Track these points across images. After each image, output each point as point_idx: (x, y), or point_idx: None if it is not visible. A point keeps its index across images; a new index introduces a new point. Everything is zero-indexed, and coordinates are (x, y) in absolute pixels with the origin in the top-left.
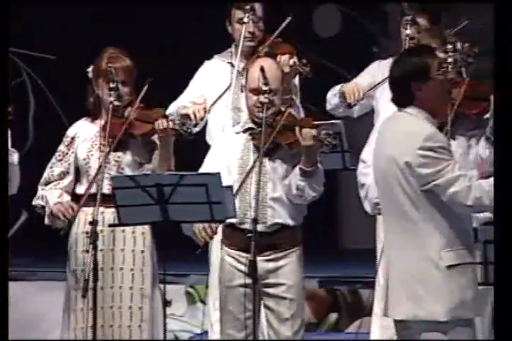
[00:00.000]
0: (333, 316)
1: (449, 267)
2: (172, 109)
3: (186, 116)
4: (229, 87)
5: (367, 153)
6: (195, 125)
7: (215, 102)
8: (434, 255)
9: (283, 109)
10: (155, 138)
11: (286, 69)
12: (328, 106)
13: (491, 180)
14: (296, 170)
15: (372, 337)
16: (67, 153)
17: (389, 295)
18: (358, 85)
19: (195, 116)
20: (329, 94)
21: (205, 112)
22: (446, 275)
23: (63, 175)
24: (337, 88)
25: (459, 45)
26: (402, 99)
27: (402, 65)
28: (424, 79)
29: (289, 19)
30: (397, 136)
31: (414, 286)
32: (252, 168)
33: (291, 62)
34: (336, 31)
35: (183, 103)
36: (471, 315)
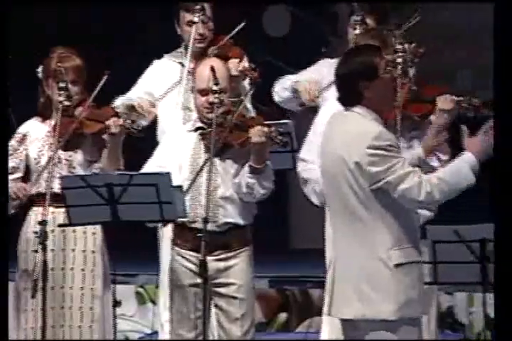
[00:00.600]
0: (283, 316)
1: (397, 266)
2: (118, 101)
3: (132, 107)
4: (178, 85)
5: (306, 152)
6: (142, 117)
7: (162, 98)
8: (382, 254)
9: (232, 108)
10: (105, 136)
11: (235, 73)
12: (278, 99)
13: (440, 174)
14: (246, 167)
15: (322, 337)
16: (17, 149)
17: (335, 294)
18: (312, 83)
19: (141, 108)
20: (278, 87)
21: (152, 107)
22: (394, 274)
23: (13, 170)
24: (288, 82)
25: (406, 46)
26: (349, 98)
27: (350, 64)
28: (372, 78)
29: (243, 24)
30: (346, 135)
31: (361, 285)
32: (203, 167)
33: (241, 66)
34: (285, 31)
35: (130, 97)
36: (417, 313)
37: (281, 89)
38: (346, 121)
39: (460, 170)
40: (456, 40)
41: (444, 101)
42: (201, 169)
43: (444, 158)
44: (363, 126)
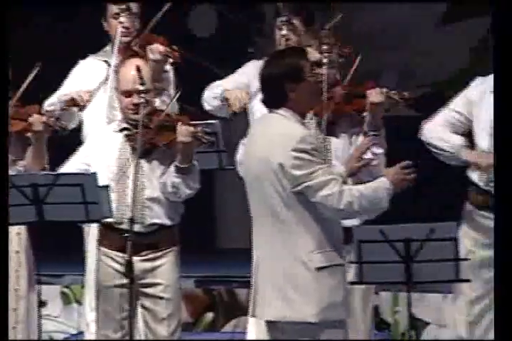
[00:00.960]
0: (210, 315)
1: (319, 269)
2: (50, 100)
3: (71, 101)
4: (104, 83)
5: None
6: (83, 107)
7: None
8: (304, 256)
9: (158, 106)
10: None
11: (157, 57)
12: (208, 107)
13: (361, 188)
14: (172, 167)
15: (248, 337)
16: None
17: (258, 295)
18: (242, 91)
19: (81, 98)
20: (208, 95)
21: (91, 96)
22: (316, 276)
23: None
24: (217, 91)
25: (332, 46)
26: (274, 100)
27: (275, 66)
28: (298, 80)
29: (165, 8)
30: (271, 137)
31: (284, 287)
32: (130, 168)
33: (161, 48)
34: (212, 31)
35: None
36: (341, 316)
37: (211, 98)
38: (271, 123)
39: (377, 191)
40: (382, 40)
41: (375, 95)
42: (128, 170)
43: (379, 151)
44: (287, 128)
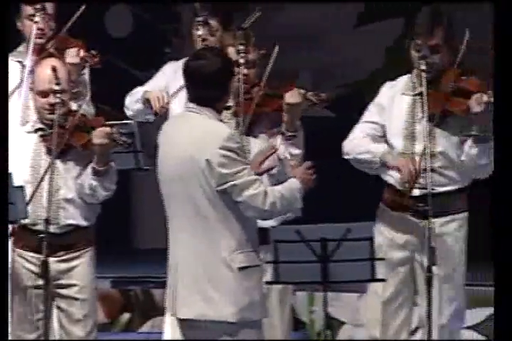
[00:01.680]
0: (126, 316)
1: (240, 269)
2: None
3: None
4: (19, 84)
5: None
6: None
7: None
8: (226, 256)
9: (74, 108)
10: None
11: (75, 60)
12: (130, 112)
13: (279, 188)
14: (89, 169)
15: (164, 337)
16: None
17: (178, 293)
18: (162, 92)
19: None
20: (129, 101)
21: None
22: (237, 276)
23: None
24: (138, 95)
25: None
26: (210, 99)
27: (216, 64)
28: (230, 79)
29: (81, 9)
30: (196, 136)
31: (204, 286)
32: (45, 169)
33: (81, 53)
34: (128, 31)
35: None
36: (259, 316)
37: (132, 103)
38: (194, 121)
39: (293, 191)
40: (299, 40)
41: (292, 96)
42: (43, 171)
43: (296, 152)
44: (213, 127)
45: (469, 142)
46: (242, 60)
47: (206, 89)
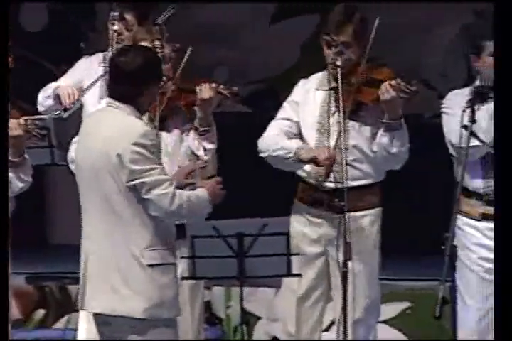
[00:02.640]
0: (41, 312)
1: (151, 266)
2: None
3: None
4: None
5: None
6: None
7: None
8: (137, 252)
9: None
10: None
11: None
12: (41, 108)
13: (189, 194)
14: None
15: (79, 333)
16: None
17: (88, 287)
18: (72, 87)
19: None
20: (41, 96)
21: None
22: (148, 273)
23: None
24: (49, 90)
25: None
26: (129, 95)
27: (131, 62)
28: (158, 77)
29: None
30: (112, 131)
31: (115, 281)
32: None
33: None
34: (43, 25)
35: None
36: (170, 314)
37: (44, 99)
38: (111, 117)
39: (200, 200)
40: (214, 37)
41: (204, 90)
42: None
43: (209, 147)
44: (129, 123)
45: (380, 131)
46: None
47: (126, 85)
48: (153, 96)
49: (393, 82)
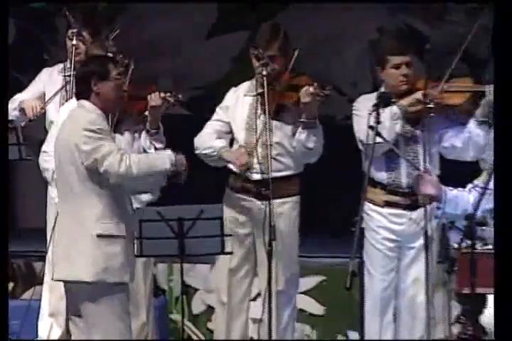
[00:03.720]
0: (10, 285)
1: (99, 236)
2: None
3: None
4: None
5: (47, 145)
6: None
7: None
8: (89, 224)
9: None
10: None
11: None
12: (10, 118)
13: (143, 155)
14: None
15: (42, 302)
16: None
17: (52, 258)
18: (35, 100)
19: None
20: (9, 108)
21: None
22: (96, 243)
23: None
24: (16, 103)
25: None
26: (82, 93)
27: (87, 65)
28: (102, 78)
29: None
30: (71, 122)
31: (69, 250)
32: None
33: None
34: (12, 40)
35: None
36: (115, 279)
37: (11, 109)
38: (73, 113)
39: (158, 160)
40: (159, 49)
41: (154, 98)
42: None
43: (159, 146)
44: (83, 115)
45: (299, 129)
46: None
47: (78, 85)
48: (110, 96)
49: (311, 88)
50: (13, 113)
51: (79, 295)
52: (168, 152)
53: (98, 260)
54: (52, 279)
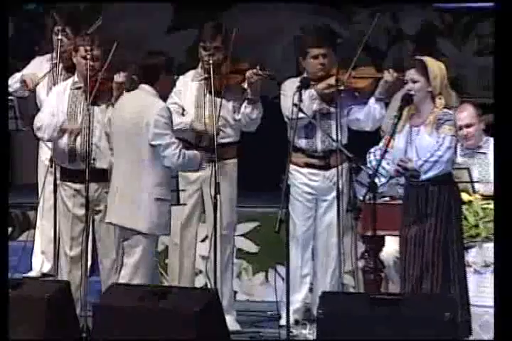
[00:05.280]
0: (9, 229)
1: (156, 199)
2: None
3: None
4: None
5: (38, 119)
6: None
7: None
8: (149, 188)
9: None
10: None
11: None
12: (10, 90)
13: (192, 152)
14: None
15: (35, 243)
16: None
17: (112, 206)
18: (33, 75)
19: None
20: (10, 81)
21: None
22: (153, 204)
23: None
24: (17, 76)
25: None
26: (150, 81)
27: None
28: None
29: None
30: (143, 101)
31: (133, 205)
32: None
33: None
34: (9, 35)
35: None
36: (160, 232)
37: (13, 83)
38: (147, 95)
39: (195, 158)
40: (128, 43)
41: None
42: None
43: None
44: (156, 100)
45: (245, 103)
46: (88, 55)
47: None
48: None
49: (255, 70)
50: (14, 85)
51: (131, 241)
52: (197, 154)
53: (153, 217)
54: (110, 223)
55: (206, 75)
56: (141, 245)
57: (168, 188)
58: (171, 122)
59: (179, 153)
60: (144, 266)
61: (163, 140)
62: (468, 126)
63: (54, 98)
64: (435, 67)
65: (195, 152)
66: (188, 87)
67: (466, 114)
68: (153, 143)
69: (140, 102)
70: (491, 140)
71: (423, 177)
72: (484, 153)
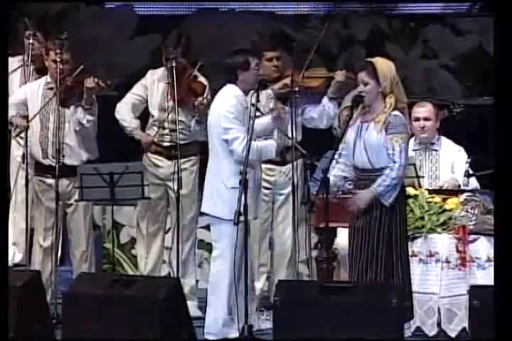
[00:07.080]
0: None
1: (232, 188)
2: None
3: None
4: None
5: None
6: None
7: None
8: (227, 178)
9: None
10: None
11: None
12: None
13: (261, 142)
14: None
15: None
16: None
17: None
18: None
19: None
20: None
21: None
22: (230, 192)
23: None
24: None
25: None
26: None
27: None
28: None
29: None
30: (221, 98)
31: (213, 195)
32: None
33: None
34: None
35: None
36: (230, 217)
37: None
38: (226, 92)
39: (267, 147)
40: (98, 46)
41: (88, 82)
42: None
43: (90, 118)
44: (229, 97)
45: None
46: (58, 59)
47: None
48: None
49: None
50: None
51: (216, 227)
52: (273, 143)
53: (231, 205)
54: (203, 213)
55: (170, 80)
56: (223, 230)
57: (240, 175)
58: (240, 117)
59: (244, 147)
60: (231, 248)
61: (228, 134)
62: (426, 119)
63: (23, 93)
64: (384, 67)
65: (271, 141)
66: (154, 85)
67: (426, 108)
68: (222, 137)
69: (218, 98)
70: (443, 138)
71: (387, 202)
72: (436, 150)
